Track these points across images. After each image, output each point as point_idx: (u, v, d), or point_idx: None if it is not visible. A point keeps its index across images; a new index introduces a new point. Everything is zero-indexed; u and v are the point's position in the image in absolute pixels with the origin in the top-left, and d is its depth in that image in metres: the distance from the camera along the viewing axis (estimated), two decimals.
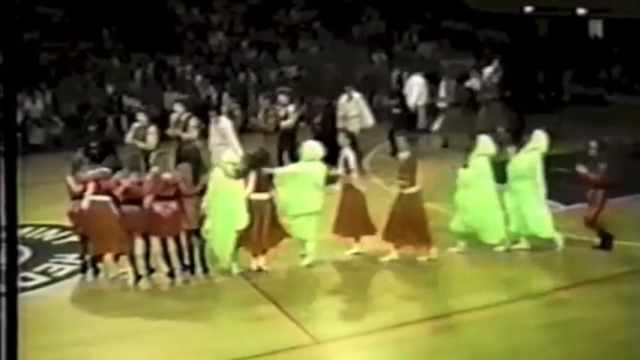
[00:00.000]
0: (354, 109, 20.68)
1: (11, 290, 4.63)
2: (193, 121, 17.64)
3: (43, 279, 13.58)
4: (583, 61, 32.37)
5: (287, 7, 34.30)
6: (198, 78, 27.91)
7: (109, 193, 13.13)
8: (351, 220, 14.07)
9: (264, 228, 13.38)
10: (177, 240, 13.41)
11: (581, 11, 33.15)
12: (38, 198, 15.74)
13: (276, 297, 12.40)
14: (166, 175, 13.24)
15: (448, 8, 35.58)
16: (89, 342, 11.07)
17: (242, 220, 13.22)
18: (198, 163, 15.97)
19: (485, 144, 14.31)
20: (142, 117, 17.61)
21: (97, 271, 13.60)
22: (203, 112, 19.06)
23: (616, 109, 28.38)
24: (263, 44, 31.27)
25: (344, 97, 20.90)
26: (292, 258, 14.10)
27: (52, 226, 15.91)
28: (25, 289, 12.93)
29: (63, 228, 15.56)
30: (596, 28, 35.09)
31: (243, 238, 13.33)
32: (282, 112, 19.16)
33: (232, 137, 17.50)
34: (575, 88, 31.19)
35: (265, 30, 32.39)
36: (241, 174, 13.45)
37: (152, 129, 17.11)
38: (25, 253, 14.75)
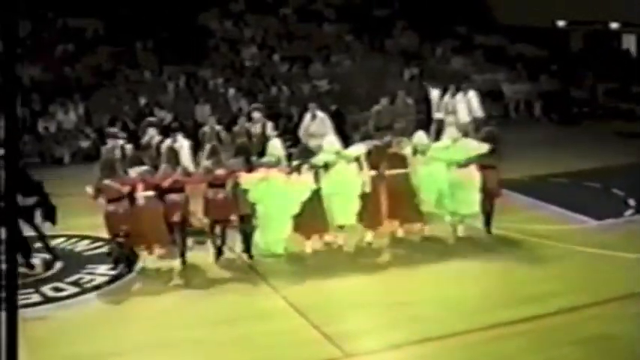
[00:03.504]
0: (317, 128, 19.68)
1: (11, 297, 4.64)
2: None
3: (74, 289, 13.58)
4: (616, 76, 32.18)
5: (320, 20, 34.33)
6: (231, 91, 27.99)
7: (154, 188, 14.15)
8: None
9: (317, 213, 14.93)
10: (225, 224, 14.84)
11: (614, 25, 33.05)
12: (69, 209, 15.82)
13: (305, 309, 12.36)
14: (219, 171, 14.63)
15: (481, 22, 35.53)
16: (120, 352, 11.11)
17: (295, 207, 14.66)
18: None
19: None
20: (152, 131, 17.01)
21: (130, 264, 14.44)
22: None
23: None
24: (295, 57, 31.29)
25: (308, 116, 20.05)
26: (321, 268, 14.39)
27: (84, 237, 15.97)
28: (56, 299, 13.09)
29: (95, 239, 15.68)
30: (629, 42, 34.90)
31: (299, 223, 14.82)
32: (257, 129, 18.03)
33: (187, 159, 16.68)
34: (608, 102, 31.05)
35: (298, 43, 32.42)
36: (296, 168, 15.02)
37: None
38: (57, 263, 14.82)
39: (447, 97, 23.72)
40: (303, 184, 14.81)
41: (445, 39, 33.93)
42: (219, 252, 14.90)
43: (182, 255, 14.62)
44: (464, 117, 21.87)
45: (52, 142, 25.10)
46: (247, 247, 14.88)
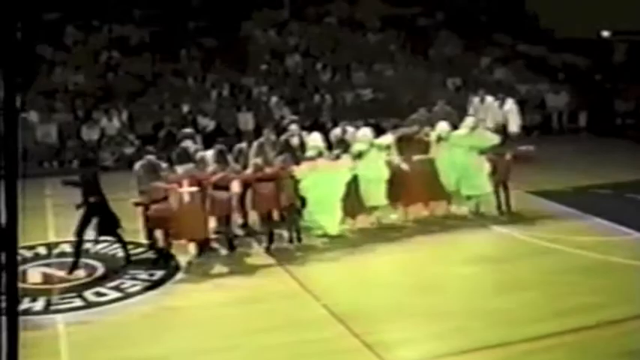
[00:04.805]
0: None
1: (12, 306, 4.67)
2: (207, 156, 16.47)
3: (116, 294, 13.71)
4: None
5: (364, 29, 34.31)
6: (273, 99, 28.05)
7: (199, 184, 14.99)
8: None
9: (358, 196, 16.87)
10: (269, 216, 16.32)
11: None
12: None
13: (346, 318, 12.34)
14: (268, 170, 16.00)
15: (525, 32, 35.36)
16: (161, 357, 11.20)
17: (342, 189, 16.43)
18: None
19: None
20: (188, 142, 17.19)
21: (169, 257, 15.17)
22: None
23: None
24: (338, 66, 31.27)
25: (338, 129, 19.50)
26: (359, 269, 14.79)
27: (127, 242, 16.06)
28: (98, 304, 13.21)
29: (137, 244, 15.80)
30: None
31: (344, 206, 16.54)
32: (295, 141, 17.77)
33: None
34: None
35: (341, 52, 32.39)
36: (336, 157, 16.79)
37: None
38: (99, 268, 14.98)
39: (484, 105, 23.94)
40: (345, 167, 16.60)
41: (489, 49, 33.81)
42: (270, 242, 16.01)
43: (231, 247, 15.81)
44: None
45: (95, 148, 25.27)
46: (297, 234, 16.33)
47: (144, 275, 14.55)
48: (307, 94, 29.19)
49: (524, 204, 18.76)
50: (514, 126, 23.94)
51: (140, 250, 15.73)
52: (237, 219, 16.73)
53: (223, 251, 15.77)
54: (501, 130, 19.78)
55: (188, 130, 18.73)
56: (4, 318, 4.66)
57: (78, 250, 14.77)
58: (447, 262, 15.09)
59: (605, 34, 34.59)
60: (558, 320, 12.09)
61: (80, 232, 14.66)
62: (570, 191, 19.90)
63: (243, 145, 17.64)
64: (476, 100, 25.10)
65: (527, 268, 14.48)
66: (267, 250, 15.87)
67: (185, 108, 27.03)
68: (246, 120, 26.78)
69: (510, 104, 24.45)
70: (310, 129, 18.87)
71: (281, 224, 16.69)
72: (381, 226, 17.42)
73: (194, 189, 14.89)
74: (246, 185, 16.19)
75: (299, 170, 16.19)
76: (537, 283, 13.83)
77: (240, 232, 16.68)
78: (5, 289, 4.61)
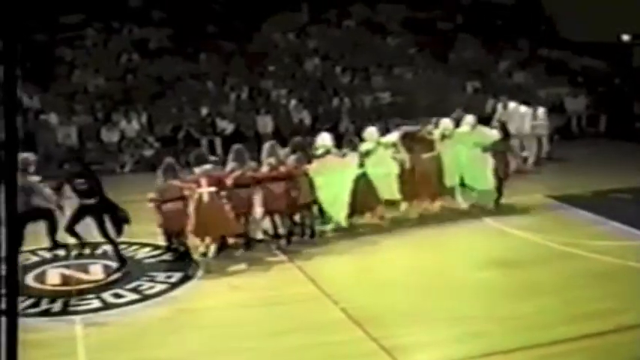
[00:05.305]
0: None
1: (12, 306, 4.68)
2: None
3: (134, 296, 13.71)
4: None
5: (383, 33, 34.28)
6: (292, 102, 28.08)
7: (216, 184, 15.17)
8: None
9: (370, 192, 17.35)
10: (290, 215, 16.63)
11: None
12: (130, 216, 16.00)
13: (363, 321, 12.29)
14: (282, 169, 16.30)
15: (544, 36, 35.28)
16: (179, 359, 11.23)
17: (348, 187, 16.89)
18: None
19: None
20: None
21: (187, 259, 15.28)
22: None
23: None
24: (357, 69, 31.27)
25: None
26: (383, 278, 14.53)
27: (144, 245, 16.14)
28: (116, 306, 13.24)
29: (155, 246, 15.85)
30: None
31: (354, 204, 17.06)
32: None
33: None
34: None
35: (360, 55, 32.38)
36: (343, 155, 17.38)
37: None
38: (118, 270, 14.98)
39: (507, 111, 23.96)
40: (353, 164, 17.22)
41: (508, 52, 33.75)
42: (288, 242, 16.43)
43: (247, 247, 16.00)
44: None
45: (115, 150, 25.38)
46: (311, 232, 16.90)
47: (161, 277, 14.58)
48: (326, 97, 29.20)
49: (543, 208, 18.76)
50: (526, 128, 23.99)
51: (159, 251, 15.80)
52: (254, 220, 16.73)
53: (240, 251, 15.83)
54: (503, 127, 19.73)
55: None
56: (4, 318, 4.67)
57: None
58: (464, 265, 15.07)
59: (625, 37, 34.48)
60: (575, 325, 12.04)
61: (72, 229, 15.00)
62: (589, 195, 19.85)
63: None
64: (499, 106, 24.98)
65: (544, 273, 14.43)
66: (284, 249, 16.07)
67: (204, 111, 27.07)
68: (265, 123, 26.84)
69: (539, 111, 24.49)
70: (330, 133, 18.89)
71: (297, 224, 16.88)
72: (393, 224, 17.63)
73: (213, 189, 15.04)
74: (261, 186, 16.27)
75: (312, 168, 16.71)
76: (554, 287, 13.78)
77: (259, 233, 16.68)
78: (5, 289, 4.63)
